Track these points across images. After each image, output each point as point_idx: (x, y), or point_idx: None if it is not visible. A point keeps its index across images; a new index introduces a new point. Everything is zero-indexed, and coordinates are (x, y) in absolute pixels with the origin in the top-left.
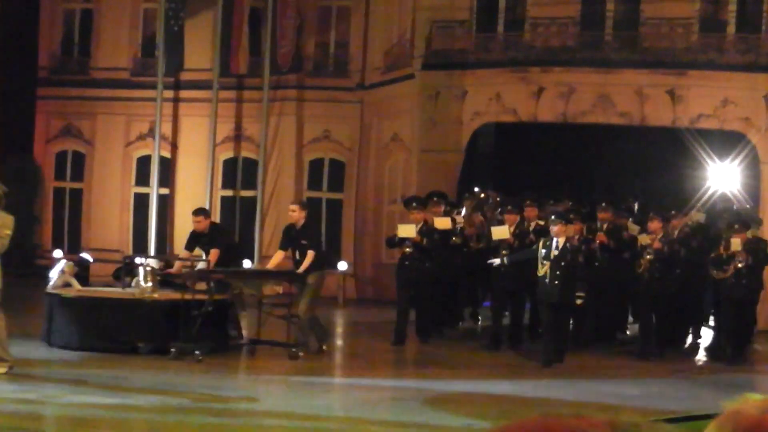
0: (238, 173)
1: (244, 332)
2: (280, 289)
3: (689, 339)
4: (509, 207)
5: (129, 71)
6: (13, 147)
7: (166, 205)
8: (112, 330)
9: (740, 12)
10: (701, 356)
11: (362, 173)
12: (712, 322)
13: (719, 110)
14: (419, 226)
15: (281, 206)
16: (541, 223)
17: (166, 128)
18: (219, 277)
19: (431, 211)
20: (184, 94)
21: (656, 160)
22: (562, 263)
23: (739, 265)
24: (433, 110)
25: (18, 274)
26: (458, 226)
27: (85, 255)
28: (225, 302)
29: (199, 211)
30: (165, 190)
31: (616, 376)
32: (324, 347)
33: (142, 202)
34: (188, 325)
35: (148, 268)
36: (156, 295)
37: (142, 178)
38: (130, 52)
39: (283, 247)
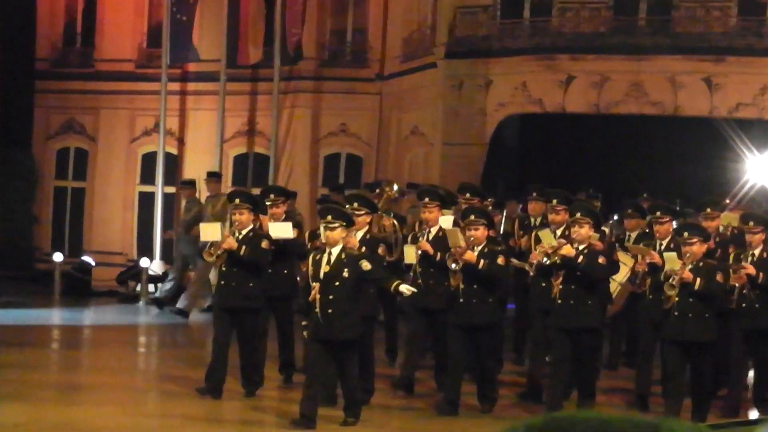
0: (249, 170)
1: None
2: None
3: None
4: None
5: (134, 63)
6: (10, 144)
7: (172, 204)
8: None
9: None
10: None
11: (381, 168)
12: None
13: (759, 98)
14: (247, 231)
15: (294, 204)
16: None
17: (172, 123)
18: None
19: (272, 213)
20: (191, 86)
21: (690, 152)
22: (336, 284)
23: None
24: (457, 101)
25: (15, 277)
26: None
27: (87, 258)
28: None
29: None
30: (171, 189)
31: None
32: None
33: (147, 201)
34: None
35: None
36: None
37: (148, 176)
38: (134, 42)
39: None
